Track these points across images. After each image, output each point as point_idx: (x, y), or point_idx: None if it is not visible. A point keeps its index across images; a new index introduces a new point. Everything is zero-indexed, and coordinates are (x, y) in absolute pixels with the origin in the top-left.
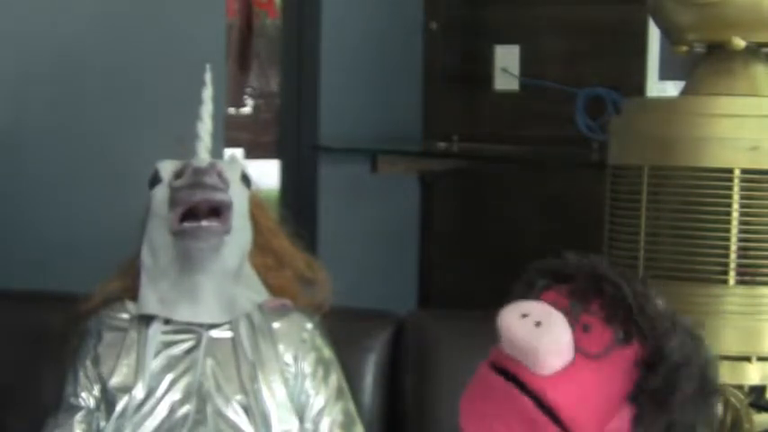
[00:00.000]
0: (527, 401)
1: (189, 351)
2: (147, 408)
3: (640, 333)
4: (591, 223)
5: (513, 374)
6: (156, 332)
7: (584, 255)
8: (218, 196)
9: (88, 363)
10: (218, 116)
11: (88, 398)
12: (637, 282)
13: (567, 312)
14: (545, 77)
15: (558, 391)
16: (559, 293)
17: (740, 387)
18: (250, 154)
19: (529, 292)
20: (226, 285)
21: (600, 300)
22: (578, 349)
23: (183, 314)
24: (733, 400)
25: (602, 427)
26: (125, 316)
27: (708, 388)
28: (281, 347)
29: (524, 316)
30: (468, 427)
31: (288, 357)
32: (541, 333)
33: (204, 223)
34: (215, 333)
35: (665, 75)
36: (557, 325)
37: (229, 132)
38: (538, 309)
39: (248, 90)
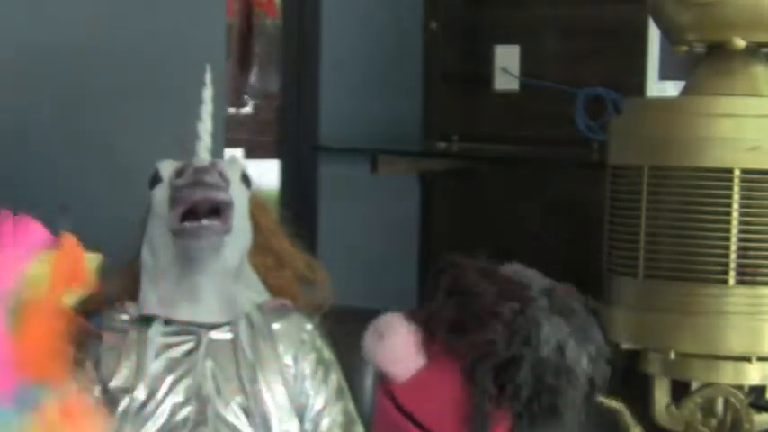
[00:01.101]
0: (390, 406)
1: (189, 353)
2: (148, 410)
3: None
4: (591, 223)
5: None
6: (156, 333)
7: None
8: (219, 195)
9: (88, 364)
10: (219, 116)
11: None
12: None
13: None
14: (545, 77)
15: (407, 395)
16: None
17: (740, 387)
18: (250, 154)
19: None
20: (226, 285)
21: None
22: (429, 355)
23: (184, 314)
24: (733, 400)
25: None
26: (125, 317)
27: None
28: (280, 348)
29: (374, 330)
30: None
31: (288, 358)
32: (380, 345)
33: (205, 222)
34: (215, 335)
35: (665, 75)
36: (394, 334)
37: (229, 132)
38: (382, 321)
39: (248, 90)
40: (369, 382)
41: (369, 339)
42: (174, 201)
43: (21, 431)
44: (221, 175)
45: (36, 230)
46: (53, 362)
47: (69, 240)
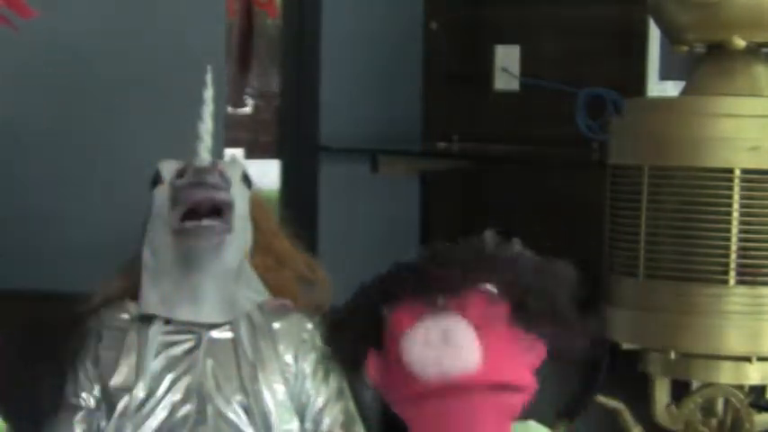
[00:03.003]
0: (484, 397)
1: (189, 351)
2: (147, 408)
3: (503, 282)
4: (591, 223)
5: (447, 390)
6: (156, 332)
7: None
8: (220, 195)
9: (88, 363)
10: (219, 116)
11: (88, 398)
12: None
13: (438, 309)
14: (545, 77)
15: (495, 369)
16: (411, 309)
17: (740, 387)
18: (250, 154)
19: (376, 323)
20: (226, 285)
21: (444, 288)
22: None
23: (184, 314)
24: (733, 400)
25: (525, 365)
26: (125, 316)
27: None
28: (281, 348)
29: (426, 341)
30: None
31: (288, 357)
32: (454, 340)
33: (206, 222)
34: (215, 333)
35: (665, 75)
36: (458, 326)
37: (229, 132)
38: (431, 326)
39: (248, 90)
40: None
41: (436, 352)
42: (175, 201)
43: None
44: (222, 175)
45: None
46: None
47: None
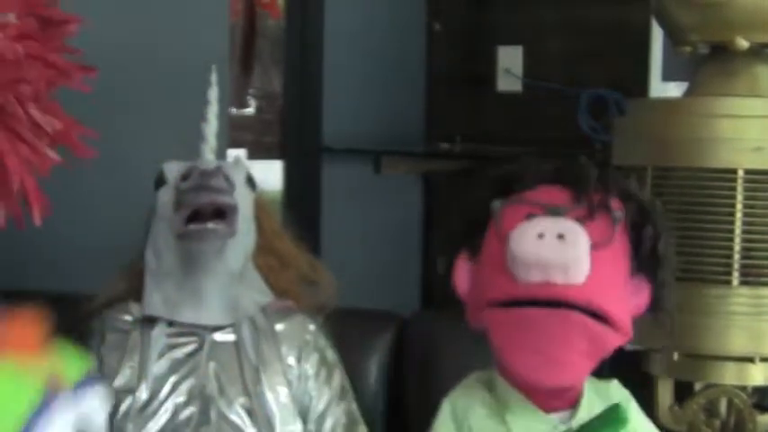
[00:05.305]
0: (581, 317)
1: (192, 354)
2: (150, 410)
3: (627, 203)
4: None
5: (545, 299)
6: (159, 334)
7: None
8: (224, 199)
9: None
10: (222, 117)
11: None
12: (586, 161)
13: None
14: (548, 78)
15: (599, 294)
16: (526, 205)
17: (743, 388)
18: (253, 155)
19: (485, 218)
20: (229, 287)
21: (570, 193)
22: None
23: (187, 316)
24: (736, 401)
25: (628, 308)
26: (128, 318)
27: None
28: (283, 349)
29: (540, 236)
30: (528, 371)
31: (291, 359)
32: (570, 244)
33: (210, 225)
34: (218, 336)
35: (667, 76)
36: (577, 232)
37: (232, 133)
38: (549, 224)
39: (251, 91)
40: (372, 382)
41: (547, 245)
42: (178, 204)
43: None
44: (227, 178)
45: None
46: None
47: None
